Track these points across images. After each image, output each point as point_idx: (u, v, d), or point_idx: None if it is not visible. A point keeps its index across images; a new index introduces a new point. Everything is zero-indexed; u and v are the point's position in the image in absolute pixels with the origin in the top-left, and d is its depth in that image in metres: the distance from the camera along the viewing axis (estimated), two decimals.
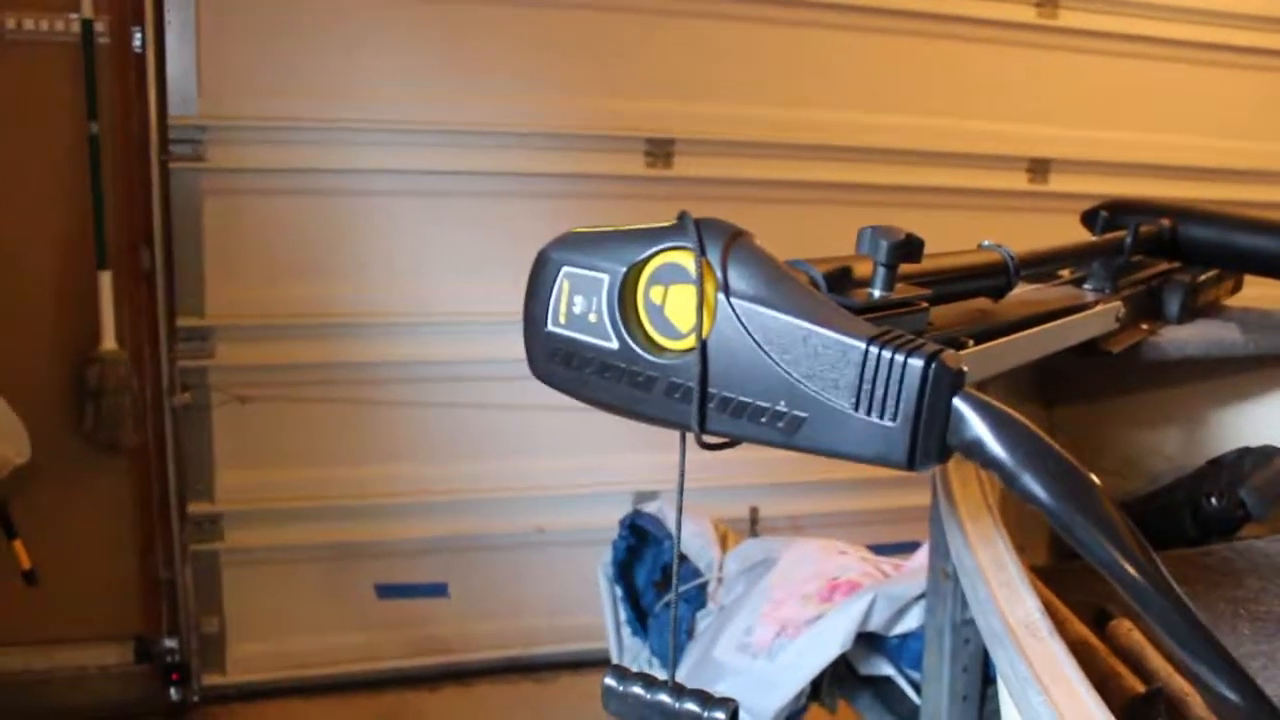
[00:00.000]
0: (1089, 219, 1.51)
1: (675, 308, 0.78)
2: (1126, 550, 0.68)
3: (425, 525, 3.12)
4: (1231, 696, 0.68)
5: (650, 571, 2.18)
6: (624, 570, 2.24)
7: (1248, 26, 3.63)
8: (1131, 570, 0.68)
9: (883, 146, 3.29)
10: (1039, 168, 3.50)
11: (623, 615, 2.23)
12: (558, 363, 0.84)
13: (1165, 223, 1.47)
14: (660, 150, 3.14)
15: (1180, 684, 0.97)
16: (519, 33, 3.00)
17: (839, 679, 1.74)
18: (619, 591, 2.24)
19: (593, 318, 0.81)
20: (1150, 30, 3.51)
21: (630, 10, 3.07)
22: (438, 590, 3.18)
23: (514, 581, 3.24)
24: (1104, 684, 0.93)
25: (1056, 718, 0.73)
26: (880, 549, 2.11)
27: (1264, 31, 3.66)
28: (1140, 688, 0.97)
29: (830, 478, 3.31)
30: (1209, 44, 3.60)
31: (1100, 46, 3.50)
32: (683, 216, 0.79)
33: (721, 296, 0.75)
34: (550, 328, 0.83)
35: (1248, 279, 1.64)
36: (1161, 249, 1.49)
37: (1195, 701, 0.95)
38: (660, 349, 0.78)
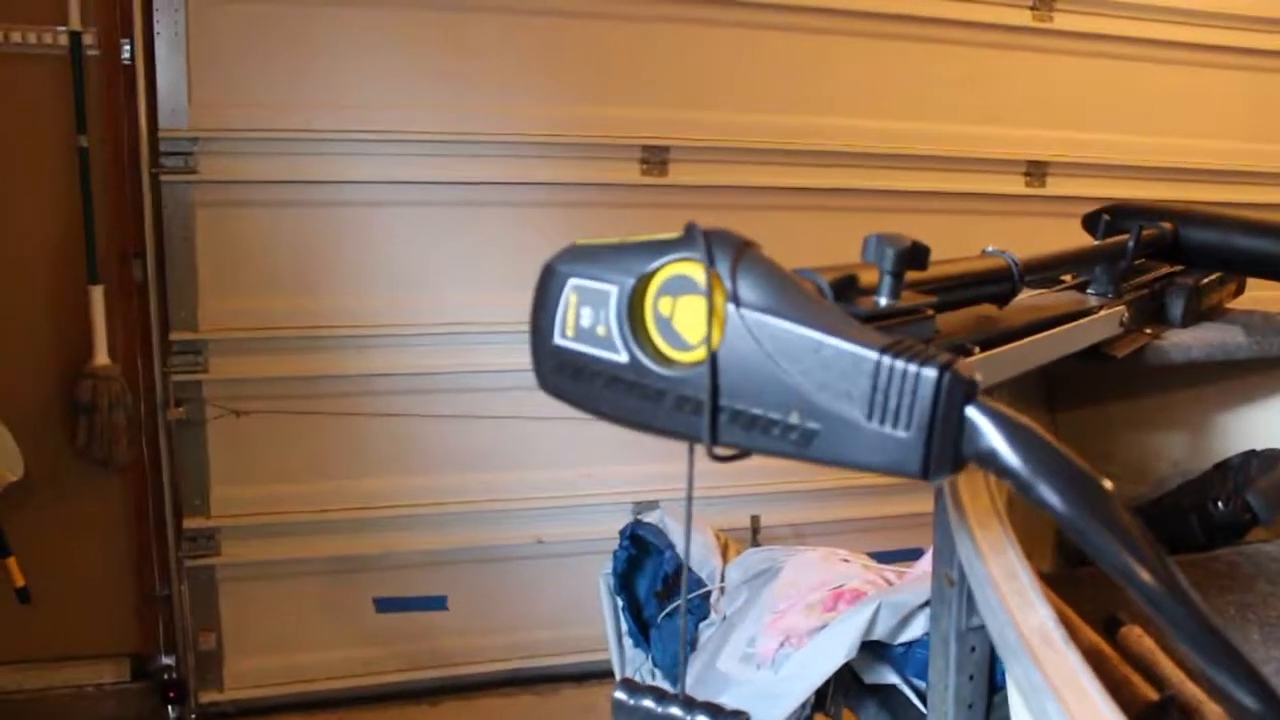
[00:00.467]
0: (1090, 223, 1.51)
1: (684, 320, 0.77)
2: (1143, 557, 0.68)
3: (424, 538, 3.11)
4: (1250, 703, 0.67)
5: (651, 582, 2.17)
6: (625, 581, 2.23)
7: (1243, 28, 3.63)
8: (1148, 577, 0.67)
9: (878, 151, 3.29)
10: (1036, 171, 3.50)
11: (624, 626, 2.22)
12: (566, 376, 0.83)
13: (1167, 226, 1.47)
14: (655, 158, 3.14)
15: (1192, 691, 0.97)
16: (513, 41, 3.00)
17: (843, 688, 1.73)
18: (620, 602, 2.22)
19: (601, 330, 0.80)
20: (1146, 32, 3.51)
21: (624, 19, 3.06)
22: (437, 603, 3.17)
23: (514, 593, 3.23)
24: (1116, 692, 0.92)
25: None
26: (881, 556, 2.10)
27: (1259, 32, 3.66)
28: (1153, 695, 0.97)
29: (831, 485, 3.31)
30: (1205, 45, 3.60)
31: (1096, 49, 3.50)
32: (690, 227, 0.78)
33: (731, 308, 0.74)
34: (558, 341, 0.83)
35: (1250, 281, 1.64)
36: (1164, 252, 1.48)
37: (1209, 709, 0.95)
38: (670, 361, 0.77)
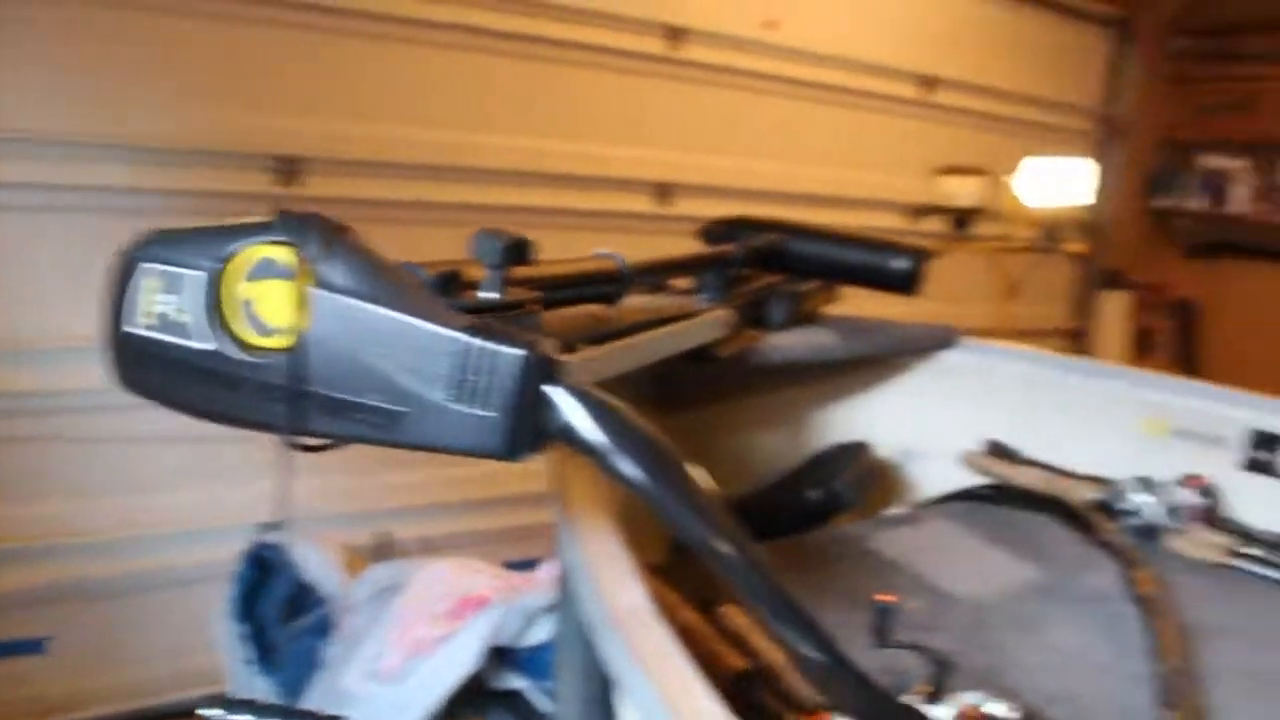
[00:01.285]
0: (709, 235, 1.61)
1: (269, 305, 0.76)
2: (712, 523, 0.72)
3: (13, 575, 2.79)
4: (809, 652, 0.73)
5: (275, 605, 2.07)
6: (249, 606, 2.11)
7: (846, 69, 4.09)
8: (720, 545, 0.72)
9: (514, 169, 3.33)
10: (664, 191, 3.68)
11: (247, 655, 2.10)
12: (142, 367, 0.79)
13: (774, 238, 1.59)
14: (288, 168, 3.01)
15: (777, 658, 1.04)
16: (136, 39, 2.77)
17: (472, 697, 1.72)
18: (245, 630, 2.11)
19: (182, 317, 0.78)
20: (765, 68, 3.85)
21: (261, 23, 2.92)
22: (32, 646, 2.85)
23: (127, 629, 2.96)
24: (709, 663, 0.97)
25: (661, 698, 0.76)
26: (520, 566, 2.11)
27: (858, 74, 4.13)
28: (742, 664, 1.03)
29: (462, 498, 3.29)
30: (816, 83, 4.01)
31: (722, 80, 3.76)
32: (281, 211, 0.77)
33: (318, 291, 0.73)
34: (131, 329, 0.79)
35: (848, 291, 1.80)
36: (773, 262, 1.60)
37: (791, 673, 1.02)
38: (252, 348, 0.75)
